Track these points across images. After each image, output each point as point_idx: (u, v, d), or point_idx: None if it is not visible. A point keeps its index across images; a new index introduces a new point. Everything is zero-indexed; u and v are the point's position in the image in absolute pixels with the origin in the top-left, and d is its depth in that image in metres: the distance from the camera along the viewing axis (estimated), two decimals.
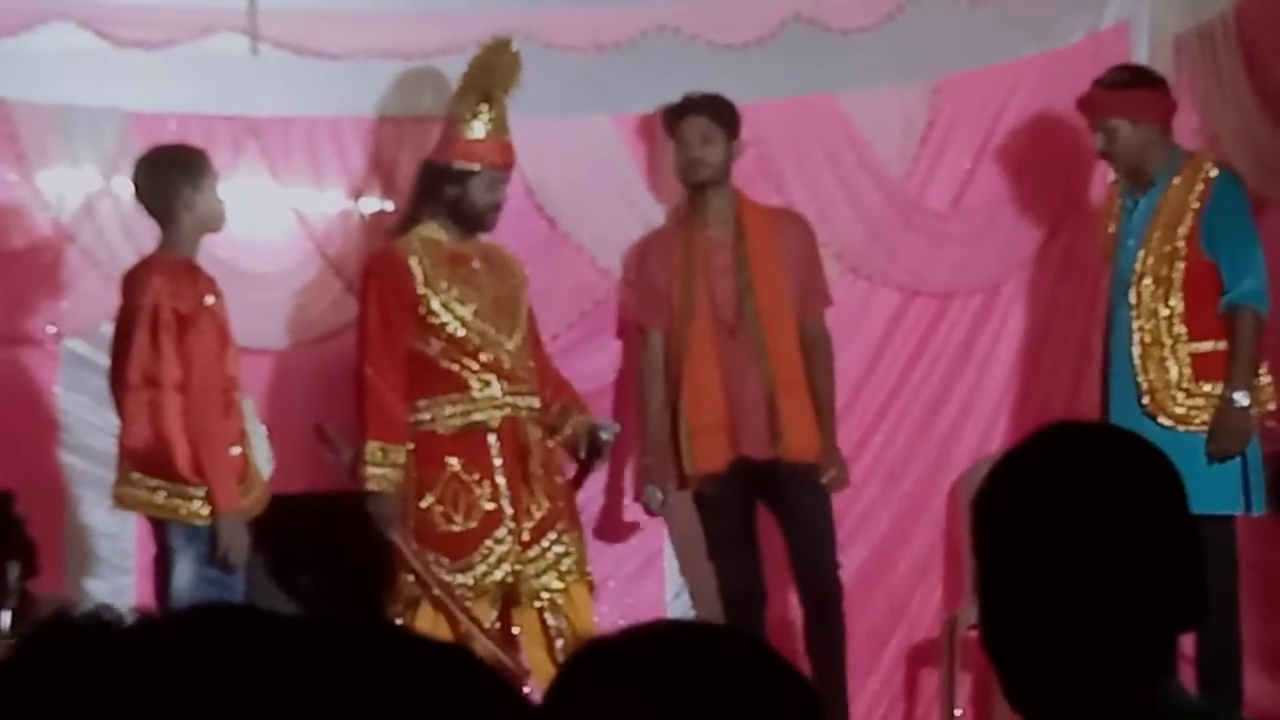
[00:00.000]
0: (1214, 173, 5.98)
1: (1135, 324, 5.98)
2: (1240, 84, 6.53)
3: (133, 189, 6.03)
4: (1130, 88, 6.13)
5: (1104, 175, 6.91)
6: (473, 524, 5.98)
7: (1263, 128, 6.44)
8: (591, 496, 6.76)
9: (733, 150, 6.46)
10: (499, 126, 6.17)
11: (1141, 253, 5.99)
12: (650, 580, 7.00)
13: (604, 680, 1.58)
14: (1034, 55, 7.04)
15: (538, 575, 6.05)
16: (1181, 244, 5.94)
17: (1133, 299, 5.99)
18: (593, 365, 6.96)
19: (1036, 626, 2.07)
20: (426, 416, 6.02)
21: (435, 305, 6.04)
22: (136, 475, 5.80)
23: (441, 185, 6.13)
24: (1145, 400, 5.92)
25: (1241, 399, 5.83)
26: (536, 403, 6.17)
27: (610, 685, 1.57)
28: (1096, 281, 6.87)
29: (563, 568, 6.10)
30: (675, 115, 6.48)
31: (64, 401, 6.65)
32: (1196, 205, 5.95)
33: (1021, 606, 2.08)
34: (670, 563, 7.01)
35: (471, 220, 6.15)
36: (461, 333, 6.05)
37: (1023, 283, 7.06)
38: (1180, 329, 5.93)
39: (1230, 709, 5.53)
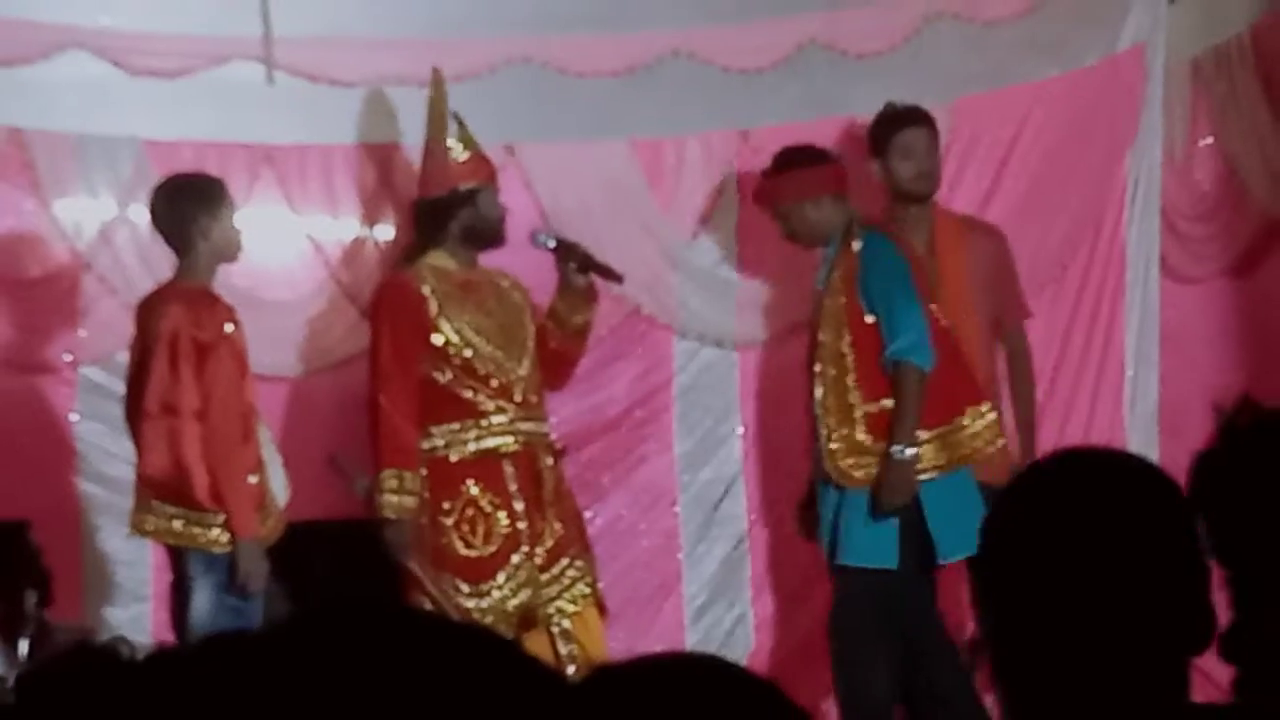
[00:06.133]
0: (857, 245, 6.02)
1: (818, 388, 6.02)
2: (1257, 105, 6.52)
3: (150, 217, 6.05)
4: (789, 169, 6.16)
5: (1121, 197, 6.91)
6: (491, 549, 5.99)
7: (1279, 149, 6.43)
8: (607, 521, 6.76)
9: None
10: (473, 142, 6.22)
11: (821, 319, 6.06)
12: (669, 604, 6.99)
13: (607, 707, 1.58)
14: (1051, 78, 7.03)
15: (553, 599, 6.05)
16: (843, 311, 6.00)
17: (816, 365, 6.06)
18: (609, 391, 6.95)
19: (1045, 653, 2.06)
20: (440, 443, 6.02)
21: (449, 332, 6.05)
22: (155, 503, 5.81)
23: (452, 213, 6.15)
24: (824, 461, 5.98)
25: (901, 454, 5.87)
26: (547, 428, 6.18)
27: (613, 713, 1.57)
28: (1115, 300, 6.85)
29: (576, 591, 6.10)
30: (896, 125, 6.38)
31: (81, 429, 6.65)
32: (848, 273, 6.00)
33: (1029, 633, 2.07)
34: (688, 587, 7.00)
35: (488, 236, 6.18)
36: (474, 360, 6.06)
37: (1040, 305, 7.03)
38: (855, 392, 5.97)
39: None
